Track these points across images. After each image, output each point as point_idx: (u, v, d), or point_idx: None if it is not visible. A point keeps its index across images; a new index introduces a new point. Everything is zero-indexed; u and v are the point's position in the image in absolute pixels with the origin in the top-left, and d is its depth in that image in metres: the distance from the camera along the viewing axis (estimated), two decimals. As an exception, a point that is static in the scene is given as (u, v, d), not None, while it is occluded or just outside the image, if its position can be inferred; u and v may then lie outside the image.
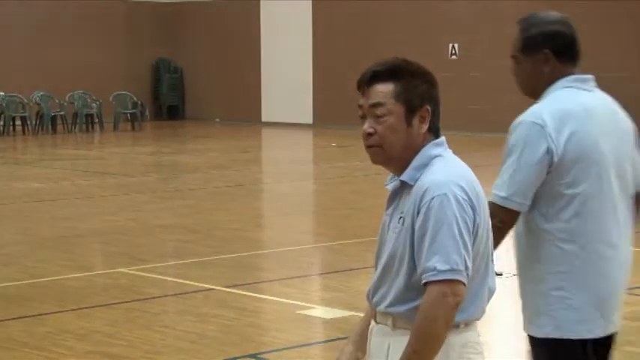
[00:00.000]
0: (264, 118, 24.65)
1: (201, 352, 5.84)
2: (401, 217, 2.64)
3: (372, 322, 2.77)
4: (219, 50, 25.54)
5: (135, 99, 24.34)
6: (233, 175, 14.82)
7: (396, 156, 2.66)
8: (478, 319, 2.72)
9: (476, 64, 21.45)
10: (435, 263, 2.54)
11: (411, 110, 2.65)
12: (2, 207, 11.80)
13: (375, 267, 2.74)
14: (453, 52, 22.12)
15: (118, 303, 6.99)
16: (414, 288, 2.61)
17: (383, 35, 22.28)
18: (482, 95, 21.32)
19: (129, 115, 24.14)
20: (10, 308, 6.80)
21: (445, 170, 2.65)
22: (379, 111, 2.64)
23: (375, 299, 2.71)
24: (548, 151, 3.05)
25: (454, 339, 2.62)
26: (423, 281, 2.56)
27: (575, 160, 3.05)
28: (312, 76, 24.05)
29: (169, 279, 7.78)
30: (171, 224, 10.27)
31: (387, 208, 2.73)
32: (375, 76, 2.66)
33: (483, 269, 2.74)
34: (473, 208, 2.61)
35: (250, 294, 7.27)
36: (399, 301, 2.64)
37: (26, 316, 6.60)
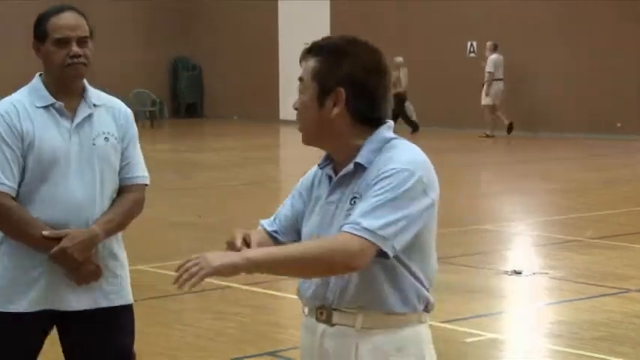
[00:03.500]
0: (281, 116, 24.68)
1: (219, 349, 5.86)
2: (354, 198, 2.48)
3: (311, 322, 2.56)
4: (238, 48, 25.57)
5: (154, 97, 24.42)
6: (250, 173, 14.84)
7: (313, 135, 2.53)
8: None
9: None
10: (360, 219, 2.38)
11: (324, 91, 2.51)
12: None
13: None
14: (472, 49, 22.06)
15: (137, 300, 7.00)
16: (375, 275, 2.45)
17: (401, 33, 22.24)
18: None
19: (148, 112, 24.22)
20: (30, 305, 6.83)
21: (408, 152, 2.49)
22: (300, 86, 2.57)
23: (329, 297, 2.50)
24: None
25: (427, 331, 2.55)
26: (344, 230, 2.40)
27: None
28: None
29: (188, 276, 7.80)
30: (188, 222, 10.29)
31: (330, 194, 2.54)
32: (310, 50, 2.57)
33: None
34: (427, 192, 2.46)
35: (268, 292, 7.28)
36: (364, 294, 2.46)
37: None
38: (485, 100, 20.18)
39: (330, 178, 2.58)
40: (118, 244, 3.62)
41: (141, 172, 3.58)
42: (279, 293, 7.33)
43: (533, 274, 7.83)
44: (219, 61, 26.00)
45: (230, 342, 6.01)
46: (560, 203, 11.74)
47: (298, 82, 2.57)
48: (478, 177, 14.88)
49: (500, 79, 20.30)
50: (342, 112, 2.50)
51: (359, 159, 2.50)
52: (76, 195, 3.39)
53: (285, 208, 2.68)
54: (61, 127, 3.42)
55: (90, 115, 3.47)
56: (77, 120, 3.44)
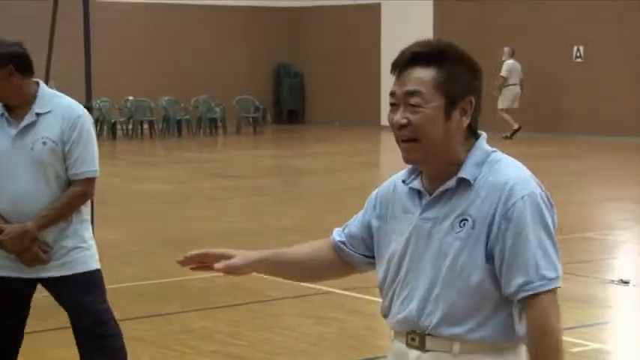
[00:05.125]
0: (383, 122, 24.65)
1: (321, 354, 5.89)
2: (463, 220, 2.30)
3: (400, 347, 2.40)
4: (339, 54, 25.68)
5: (257, 103, 24.72)
6: (351, 178, 14.87)
7: (433, 153, 2.32)
8: None
9: (602, 67, 20.90)
10: (544, 271, 2.26)
11: (452, 102, 2.31)
12: (128, 208, 12.18)
13: (398, 282, 2.40)
14: (578, 54, 21.62)
15: (240, 304, 7.12)
16: (487, 302, 2.31)
17: (505, 36, 21.95)
18: (608, 99, 20.76)
19: (251, 118, 24.53)
20: (137, 307, 7.01)
21: (516, 168, 2.34)
22: (415, 100, 2.31)
23: (426, 321, 2.34)
24: None
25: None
26: (529, 293, 2.25)
27: None
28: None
29: (289, 281, 7.87)
30: (290, 226, 10.38)
31: (425, 211, 2.36)
32: (414, 59, 2.33)
33: None
34: (552, 210, 2.35)
35: (368, 297, 7.28)
36: (466, 319, 2.30)
37: (152, 315, 6.79)
38: (500, 104, 20.30)
39: (418, 192, 2.40)
40: (79, 225, 4.25)
41: (85, 167, 4.19)
42: (378, 299, 7.32)
43: (641, 283, 7.63)
44: (321, 67, 26.15)
45: (331, 347, 6.04)
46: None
47: (392, 97, 2.36)
48: (578, 183, 14.57)
49: (515, 84, 20.29)
50: (464, 123, 2.33)
51: (463, 174, 2.33)
52: (19, 189, 4.12)
53: (356, 221, 2.55)
54: (5, 134, 4.17)
55: (33, 123, 4.15)
56: (19, 127, 4.16)
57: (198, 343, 6.07)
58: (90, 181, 4.21)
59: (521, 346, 2.37)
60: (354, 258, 2.56)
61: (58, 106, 4.17)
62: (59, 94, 4.24)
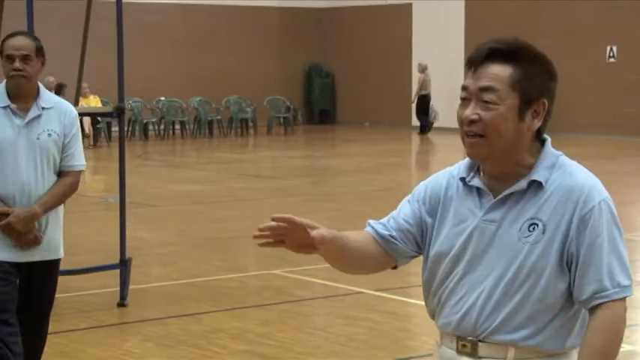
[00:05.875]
0: (414, 122, 24.60)
1: (351, 354, 5.89)
2: (533, 225, 2.26)
3: (449, 354, 2.35)
4: (370, 54, 25.66)
5: (288, 103, 24.77)
6: (382, 179, 14.85)
7: (499, 152, 2.27)
8: None
9: (635, 67, 20.72)
10: (618, 278, 2.23)
11: (526, 102, 2.27)
12: (161, 208, 12.24)
13: (451, 282, 2.34)
14: (611, 54, 21.44)
15: (270, 304, 7.14)
16: (548, 309, 2.27)
17: (538, 36, 21.81)
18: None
19: (282, 119, 24.59)
20: (168, 307, 7.04)
21: (586, 173, 2.32)
22: (488, 96, 2.26)
23: (482, 326, 2.28)
24: None
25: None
26: (603, 301, 2.22)
27: None
28: (465, 77, 23.82)
29: (319, 281, 7.88)
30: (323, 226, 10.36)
31: (490, 212, 2.30)
32: (492, 55, 2.28)
33: None
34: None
35: (400, 298, 7.27)
36: (525, 325, 2.26)
37: (183, 315, 6.82)
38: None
39: (478, 190, 2.34)
40: (60, 213, 4.64)
41: (77, 161, 4.61)
42: (409, 300, 7.31)
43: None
44: (352, 67, 26.14)
45: (361, 347, 6.03)
46: None
47: (465, 91, 2.32)
48: (612, 185, 14.45)
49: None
50: (535, 126, 2.28)
51: (535, 176, 2.27)
52: (22, 176, 4.48)
53: (402, 214, 2.45)
54: (13, 124, 4.49)
55: (38, 116, 4.52)
56: (27, 119, 4.50)
57: (228, 343, 6.10)
58: (79, 173, 4.66)
59: (575, 353, 2.32)
60: (403, 253, 2.47)
61: (58, 104, 4.59)
62: (48, 92, 4.66)
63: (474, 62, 2.30)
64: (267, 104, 24.43)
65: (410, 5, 25.08)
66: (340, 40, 26.46)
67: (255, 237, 2.41)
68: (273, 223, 2.39)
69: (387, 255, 2.48)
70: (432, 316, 2.45)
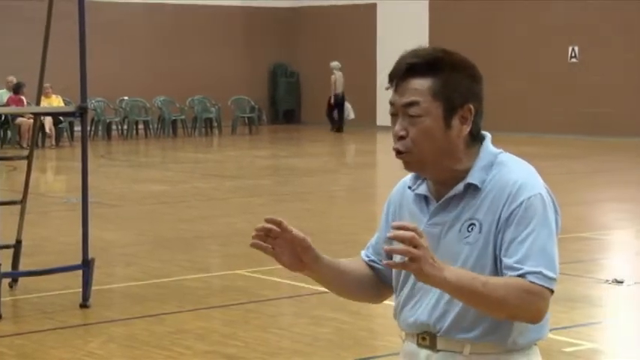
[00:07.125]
0: (379, 122, 24.67)
1: (316, 354, 5.90)
2: (472, 225, 2.30)
3: (412, 348, 2.39)
4: (335, 54, 25.68)
5: (252, 103, 24.73)
6: (347, 179, 14.88)
7: (431, 162, 2.32)
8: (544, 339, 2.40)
9: (596, 67, 20.94)
10: (540, 267, 2.22)
11: (451, 110, 2.29)
12: (125, 208, 12.17)
13: (408, 286, 2.39)
14: (573, 54, 21.66)
15: (235, 304, 7.13)
16: None
17: (501, 36, 21.99)
18: (603, 98, 20.80)
19: (246, 119, 24.55)
20: (132, 307, 7.01)
21: (524, 168, 2.33)
22: (413, 110, 2.29)
23: (436, 327, 2.34)
24: None
25: (537, 352, 2.33)
26: (521, 272, 2.20)
27: None
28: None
29: (285, 281, 7.88)
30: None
31: (434, 216, 2.35)
32: (411, 69, 2.30)
33: None
34: (557, 212, 2.35)
35: (364, 298, 7.29)
36: (476, 325, 2.30)
37: (147, 315, 6.79)
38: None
39: (425, 198, 2.40)
40: None
41: None
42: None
43: (635, 283, 7.65)
44: (317, 67, 26.15)
45: (326, 347, 6.04)
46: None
47: (392, 107, 2.34)
48: (574, 184, 14.60)
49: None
50: (464, 131, 2.32)
51: (471, 179, 2.32)
52: None
53: (376, 238, 2.54)
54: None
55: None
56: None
57: (193, 344, 6.08)
58: None
59: (535, 347, 2.36)
60: (387, 275, 2.52)
61: None
62: None
63: (395, 78, 2.33)
64: (232, 104, 24.38)
65: (375, 5, 25.15)
66: (305, 40, 26.47)
67: (253, 237, 2.44)
68: (267, 225, 2.42)
69: (379, 280, 2.54)
70: (395, 316, 2.50)
